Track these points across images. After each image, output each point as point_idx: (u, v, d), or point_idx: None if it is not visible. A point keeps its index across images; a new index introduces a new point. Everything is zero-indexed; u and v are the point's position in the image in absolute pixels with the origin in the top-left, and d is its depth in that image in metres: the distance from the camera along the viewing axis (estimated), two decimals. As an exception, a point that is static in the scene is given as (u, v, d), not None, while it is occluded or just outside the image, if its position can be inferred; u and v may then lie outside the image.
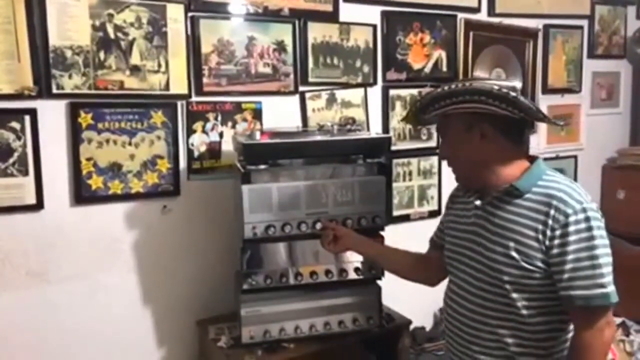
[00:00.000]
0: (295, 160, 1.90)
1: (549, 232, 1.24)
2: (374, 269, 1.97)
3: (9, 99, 1.82)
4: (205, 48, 2.13)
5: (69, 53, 1.89)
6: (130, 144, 2.03)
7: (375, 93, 2.56)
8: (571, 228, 1.23)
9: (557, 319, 1.32)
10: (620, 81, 3.51)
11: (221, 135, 2.19)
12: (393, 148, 2.55)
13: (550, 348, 1.32)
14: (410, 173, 2.70)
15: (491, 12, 2.87)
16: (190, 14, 2.09)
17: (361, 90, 2.50)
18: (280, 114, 2.30)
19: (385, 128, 2.60)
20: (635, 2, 3.49)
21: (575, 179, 2.89)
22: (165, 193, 2.11)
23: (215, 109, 2.17)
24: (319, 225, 1.83)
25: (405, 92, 2.63)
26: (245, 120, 2.23)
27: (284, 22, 2.28)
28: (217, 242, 2.20)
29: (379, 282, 2.01)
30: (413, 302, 2.24)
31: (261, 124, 2.25)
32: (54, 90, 1.88)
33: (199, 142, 2.16)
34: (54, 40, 1.86)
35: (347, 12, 2.42)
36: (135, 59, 2.00)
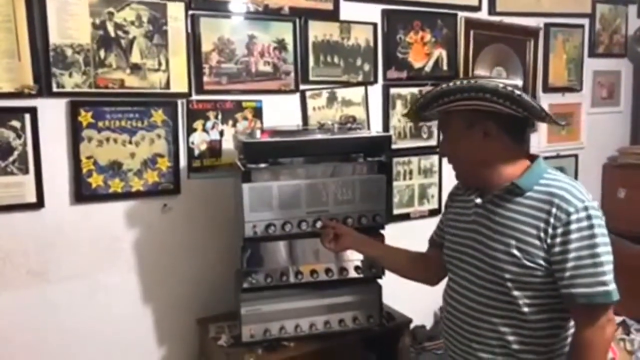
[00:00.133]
0: (295, 159, 1.89)
1: (550, 231, 1.25)
2: (375, 267, 1.97)
3: (9, 98, 1.82)
4: (206, 46, 2.12)
5: (69, 51, 1.89)
6: (130, 142, 2.03)
7: (375, 92, 2.56)
8: (573, 226, 1.23)
9: (558, 317, 1.32)
10: (621, 80, 3.51)
11: (221, 133, 2.19)
12: (393, 147, 2.54)
13: (551, 345, 1.33)
14: (410, 172, 2.70)
15: (492, 10, 2.86)
16: (190, 12, 2.09)
17: (362, 89, 2.50)
18: (281, 113, 2.30)
19: (386, 127, 2.60)
20: (636, 1, 3.48)
21: (575, 178, 2.88)
22: (166, 192, 2.11)
23: (216, 107, 2.17)
24: (319, 224, 1.83)
25: (405, 91, 2.63)
26: (245, 118, 2.23)
27: (285, 20, 2.27)
28: (217, 240, 2.20)
29: (379, 280, 2.01)
30: (413, 300, 2.24)
31: (262, 123, 2.25)
32: (54, 89, 1.88)
33: (200, 140, 2.16)
34: (54, 39, 1.86)
35: (348, 11, 2.42)
36: (135, 58, 2.00)
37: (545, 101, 3.09)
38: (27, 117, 1.85)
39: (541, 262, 1.26)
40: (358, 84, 2.49)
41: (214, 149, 2.18)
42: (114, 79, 1.97)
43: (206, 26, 2.12)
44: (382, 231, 1.96)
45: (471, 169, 1.38)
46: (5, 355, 1.90)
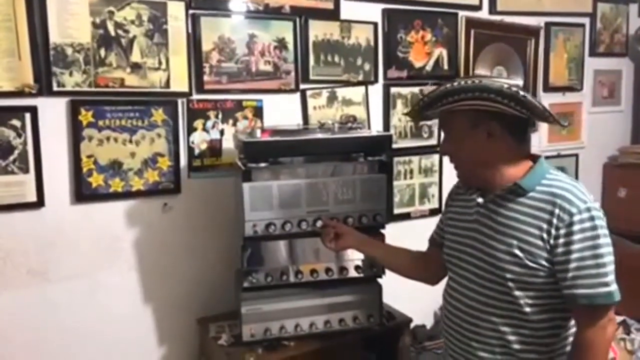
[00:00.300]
0: (296, 158, 1.89)
1: (553, 231, 1.25)
2: (375, 267, 1.97)
3: (9, 97, 1.81)
4: (206, 46, 2.12)
5: (69, 50, 1.89)
6: (130, 141, 2.03)
7: (376, 91, 2.56)
8: (576, 227, 1.23)
9: (559, 317, 1.32)
10: (622, 79, 3.50)
11: (222, 133, 2.19)
12: (394, 146, 2.53)
13: (552, 345, 1.33)
14: (411, 171, 2.70)
15: (492, 10, 2.86)
16: (191, 12, 2.09)
17: (362, 88, 2.50)
18: (281, 112, 2.30)
19: (386, 126, 2.60)
20: (637, 0, 3.47)
21: (576, 178, 2.88)
22: (166, 191, 2.11)
23: (216, 106, 2.17)
24: (319, 223, 1.83)
25: (406, 90, 2.63)
26: (246, 118, 2.23)
27: (285, 19, 2.27)
28: (217, 240, 2.20)
29: (379, 280, 2.01)
30: (414, 300, 2.24)
31: (262, 122, 2.25)
32: (55, 88, 1.88)
33: (200, 140, 2.16)
34: (54, 38, 1.86)
35: (348, 10, 2.42)
36: (135, 57, 2.00)
37: (546, 100, 3.08)
38: (28, 116, 1.85)
39: (543, 262, 1.26)
40: (358, 83, 2.49)
41: (215, 149, 2.18)
42: (115, 78, 1.97)
43: (206, 25, 2.12)
44: (382, 231, 1.96)
45: (473, 168, 1.38)
46: (5, 354, 1.90)
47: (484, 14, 2.83)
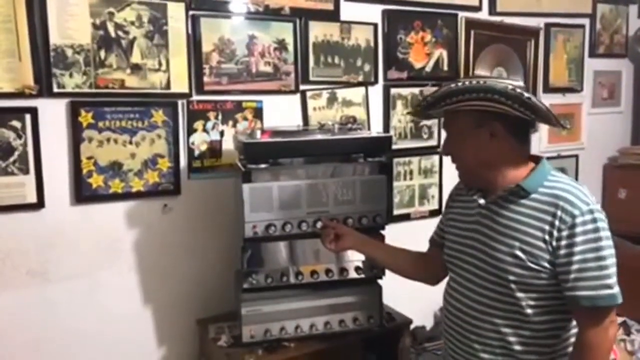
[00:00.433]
0: (296, 159, 1.89)
1: (555, 233, 1.25)
2: (375, 268, 1.96)
3: (9, 98, 1.82)
4: (206, 47, 2.12)
5: (69, 52, 1.89)
6: (130, 142, 2.03)
7: (376, 92, 2.56)
8: (578, 229, 1.23)
9: (561, 318, 1.32)
10: (622, 80, 3.51)
11: (222, 134, 2.19)
12: (394, 147, 2.53)
13: (553, 346, 1.33)
14: (411, 172, 2.70)
15: (492, 10, 2.86)
16: (191, 13, 2.09)
17: (362, 89, 2.50)
18: (281, 113, 2.30)
19: (386, 127, 2.60)
20: (637, 1, 3.48)
21: (576, 179, 2.88)
22: (166, 192, 2.11)
23: (216, 107, 2.17)
24: (319, 224, 1.83)
25: (406, 91, 2.63)
26: (246, 119, 2.23)
27: (285, 20, 2.27)
28: (217, 241, 2.20)
29: (379, 281, 2.01)
30: (414, 301, 2.25)
31: (262, 123, 2.25)
32: (55, 89, 1.88)
33: (200, 141, 2.16)
34: (54, 39, 1.86)
35: (348, 11, 2.42)
36: (135, 58, 2.00)
37: (546, 101, 3.00)
38: (28, 117, 1.85)
39: (545, 264, 1.26)
40: (358, 84, 2.49)
41: (215, 150, 2.18)
42: (115, 79, 1.97)
43: (206, 26, 2.12)
44: (382, 231, 1.96)
45: (475, 169, 1.38)
46: (5, 354, 1.90)
47: (483, 15, 2.84)
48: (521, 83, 1.33)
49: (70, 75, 1.90)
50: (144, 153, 2.05)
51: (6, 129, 1.83)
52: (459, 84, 1.30)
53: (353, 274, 1.96)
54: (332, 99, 2.42)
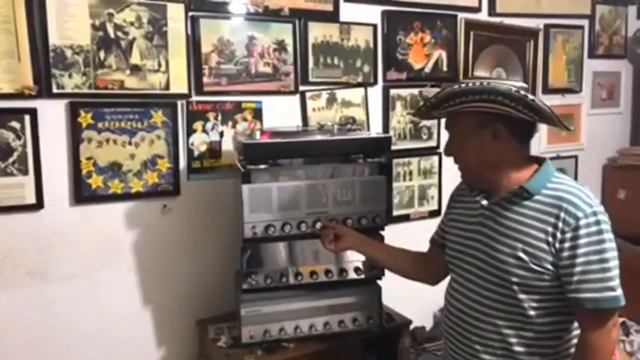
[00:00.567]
0: (295, 160, 1.89)
1: (559, 235, 1.24)
2: (375, 268, 1.96)
3: (9, 99, 1.82)
4: (206, 47, 2.12)
5: (69, 52, 1.89)
6: (130, 143, 2.03)
7: (375, 93, 2.56)
8: (582, 231, 1.23)
9: (563, 320, 1.32)
10: (621, 81, 3.51)
11: (221, 134, 2.19)
12: (393, 148, 2.54)
13: (555, 347, 1.33)
14: (410, 173, 2.70)
15: (492, 12, 2.86)
16: (190, 14, 2.09)
17: (361, 90, 2.50)
18: (281, 114, 2.30)
19: (386, 128, 2.60)
20: (636, 2, 3.48)
21: (575, 179, 2.88)
22: (165, 193, 2.11)
23: (216, 108, 2.17)
24: (319, 225, 1.83)
25: (405, 92, 2.63)
26: (245, 119, 2.23)
27: (285, 21, 2.28)
28: (217, 241, 2.20)
29: (379, 281, 2.01)
30: (413, 302, 2.25)
31: (261, 124, 2.25)
32: (54, 90, 1.88)
33: (199, 141, 2.16)
34: (54, 40, 1.86)
35: (348, 12, 2.42)
36: (135, 59, 2.00)
37: (546, 102, 3.08)
38: (27, 118, 1.85)
39: (548, 266, 1.26)
40: (358, 85, 2.49)
41: (214, 150, 2.18)
42: (114, 80, 1.97)
43: (206, 27, 2.12)
44: (381, 232, 1.96)
45: (477, 170, 1.37)
46: (5, 354, 1.90)
47: (483, 16, 2.84)
48: (525, 84, 1.33)
49: (70, 76, 1.90)
50: (143, 154, 2.05)
51: (5, 129, 1.83)
52: (463, 85, 1.29)
53: (352, 275, 1.96)
54: (331, 100, 2.42)
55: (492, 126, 1.31)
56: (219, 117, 2.18)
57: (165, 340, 2.19)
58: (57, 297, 1.96)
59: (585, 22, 3.27)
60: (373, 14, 2.51)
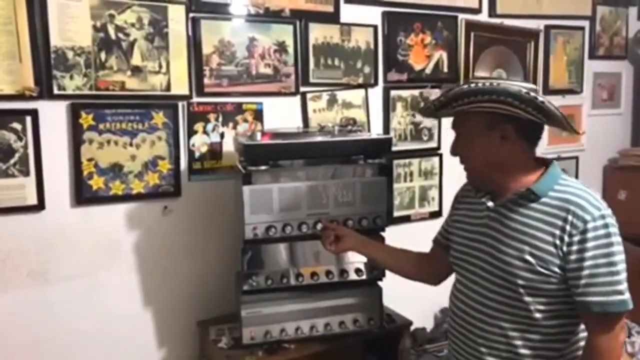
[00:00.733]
0: (296, 161, 1.89)
1: (566, 238, 1.23)
2: (376, 269, 1.97)
3: (10, 100, 1.82)
4: (206, 49, 2.13)
5: (70, 54, 1.89)
6: (131, 144, 2.03)
7: (376, 94, 2.56)
8: (590, 234, 1.22)
9: (569, 322, 1.31)
10: (622, 82, 3.51)
11: (222, 136, 2.19)
12: (394, 149, 2.54)
13: (561, 350, 1.31)
14: (411, 174, 2.70)
15: (492, 13, 2.86)
16: (191, 15, 2.09)
17: (362, 91, 2.50)
18: (281, 115, 2.30)
19: (386, 129, 2.60)
20: (636, 3, 3.48)
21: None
22: (166, 194, 2.11)
23: (216, 109, 2.18)
24: (319, 226, 1.83)
25: (406, 93, 2.63)
26: (246, 121, 2.23)
27: (285, 23, 2.28)
28: (217, 242, 2.20)
29: (380, 283, 2.01)
30: (414, 303, 2.25)
31: (262, 125, 2.25)
32: (55, 91, 1.88)
33: (200, 142, 2.16)
34: (55, 41, 1.86)
35: (348, 13, 2.43)
36: (136, 60, 2.00)
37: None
38: (28, 119, 1.85)
39: (555, 269, 1.25)
40: (358, 86, 2.49)
41: (215, 151, 2.19)
42: (115, 81, 1.97)
43: (207, 28, 2.12)
44: (382, 233, 1.96)
45: (484, 171, 1.36)
46: (5, 354, 1.90)
47: (483, 17, 2.84)
48: (534, 86, 1.32)
49: (71, 77, 1.90)
50: (144, 155, 2.06)
51: (7, 130, 1.83)
52: (472, 85, 1.28)
53: (353, 276, 1.96)
54: (332, 101, 2.43)
55: (500, 127, 1.30)
56: (220, 119, 2.18)
57: (165, 341, 2.19)
58: (58, 297, 1.96)
59: (585, 23, 3.27)
60: (373, 15, 2.51)
